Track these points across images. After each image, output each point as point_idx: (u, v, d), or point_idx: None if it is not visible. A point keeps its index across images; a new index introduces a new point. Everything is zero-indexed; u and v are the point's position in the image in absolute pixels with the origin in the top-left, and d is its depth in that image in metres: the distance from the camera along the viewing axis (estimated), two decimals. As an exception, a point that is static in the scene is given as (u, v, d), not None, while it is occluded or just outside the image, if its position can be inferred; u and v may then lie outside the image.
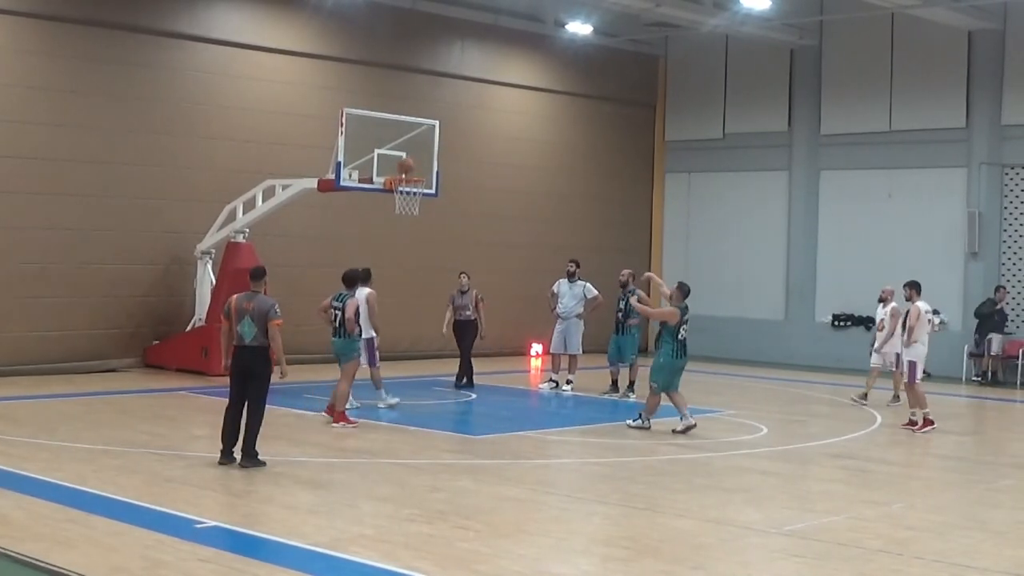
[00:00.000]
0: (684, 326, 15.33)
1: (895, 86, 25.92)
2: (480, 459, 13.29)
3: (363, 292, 16.21)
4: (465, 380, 19.66)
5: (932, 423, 16.40)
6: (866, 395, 19.16)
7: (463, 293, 19.40)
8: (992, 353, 23.87)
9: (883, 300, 19.11)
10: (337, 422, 15.01)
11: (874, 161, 26.41)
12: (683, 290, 15.64)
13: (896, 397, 18.94)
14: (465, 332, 19.57)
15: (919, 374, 16.58)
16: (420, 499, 10.95)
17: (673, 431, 15.29)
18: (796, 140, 27.59)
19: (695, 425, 15.32)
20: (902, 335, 16.77)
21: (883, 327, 18.76)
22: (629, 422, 15.69)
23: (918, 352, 16.62)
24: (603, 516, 10.69)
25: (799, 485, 12.70)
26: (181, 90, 21.53)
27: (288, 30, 23.06)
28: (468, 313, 19.45)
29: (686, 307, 15.51)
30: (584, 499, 11.27)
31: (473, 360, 19.82)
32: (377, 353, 16.76)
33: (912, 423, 16.50)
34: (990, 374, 23.92)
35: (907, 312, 16.74)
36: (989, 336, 23.87)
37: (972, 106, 25.11)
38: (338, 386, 15.26)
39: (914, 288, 16.78)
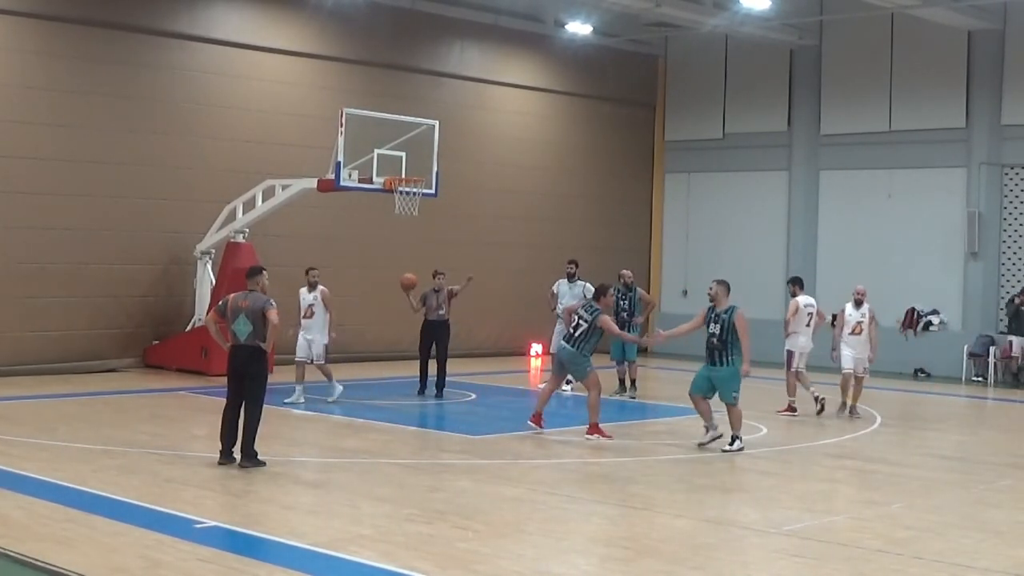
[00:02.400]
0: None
1: (895, 86, 25.91)
2: (480, 459, 13.28)
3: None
4: (435, 390, 18.34)
5: (794, 410, 17.35)
6: (849, 405, 18.33)
7: (436, 292, 18.39)
8: (1000, 357, 23.64)
9: (858, 302, 17.75)
10: (591, 434, 14.56)
11: (874, 161, 26.39)
12: (727, 287, 14.47)
13: (844, 404, 17.75)
14: (440, 334, 18.35)
15: (795, 363, 17.52)
16: (419, 499, 10.95)
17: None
18: (796, 140, 27.58)
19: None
20: (786, 329, 17.74)
21: (860, 330, 17.59)
22: (725, 448, 14.18)
23: (796, 343, 17.59)
24: (602, 516, 10.68)
25: (799, 485, 12.67)
26: (181, 90, 21.52)
27: (288, 30, 23.05)
28: (442, 313, 18.41)
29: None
30: (583, 499, 11.27)
31: (471, 360, 19.73)
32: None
33: (792, 409, 17.36)
34: (998, 376, 23.71)
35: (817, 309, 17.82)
36: (1010, 339, 23.51)
37: (972, 106, 25.10)
38: (589, 399, 14.82)
39: (796, 284, 18.18)
